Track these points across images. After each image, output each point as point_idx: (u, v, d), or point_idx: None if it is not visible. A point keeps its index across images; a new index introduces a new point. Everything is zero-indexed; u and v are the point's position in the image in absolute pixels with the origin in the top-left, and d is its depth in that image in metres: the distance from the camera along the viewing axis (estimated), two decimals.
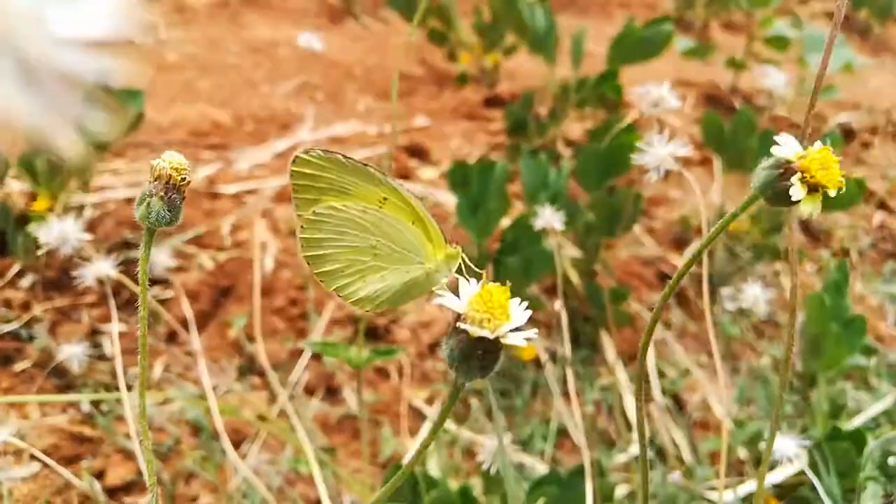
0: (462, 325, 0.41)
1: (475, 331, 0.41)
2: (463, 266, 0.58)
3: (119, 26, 0.18)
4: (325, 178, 0.56)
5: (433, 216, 0.59)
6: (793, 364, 1.39)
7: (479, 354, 0.41)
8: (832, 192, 0.45)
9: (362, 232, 0.57)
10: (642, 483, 0.58)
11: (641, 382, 0.60)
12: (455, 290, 0.44)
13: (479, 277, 0.45)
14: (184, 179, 0.52)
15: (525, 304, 0.43)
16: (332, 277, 0.59)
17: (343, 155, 0.56)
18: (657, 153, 0.81)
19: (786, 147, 0.45)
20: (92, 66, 0.17)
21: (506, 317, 0.41)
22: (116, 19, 0.18)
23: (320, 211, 0.57)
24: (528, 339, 0.42)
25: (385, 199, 0.57)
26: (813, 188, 0.45)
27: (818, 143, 0.47)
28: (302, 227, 0.58)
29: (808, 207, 0.45)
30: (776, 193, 0.46)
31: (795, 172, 0.45)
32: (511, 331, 0.42)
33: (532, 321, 0.43)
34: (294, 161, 0.56)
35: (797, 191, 0.44)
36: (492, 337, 0.41)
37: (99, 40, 0.17)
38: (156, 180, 0.51)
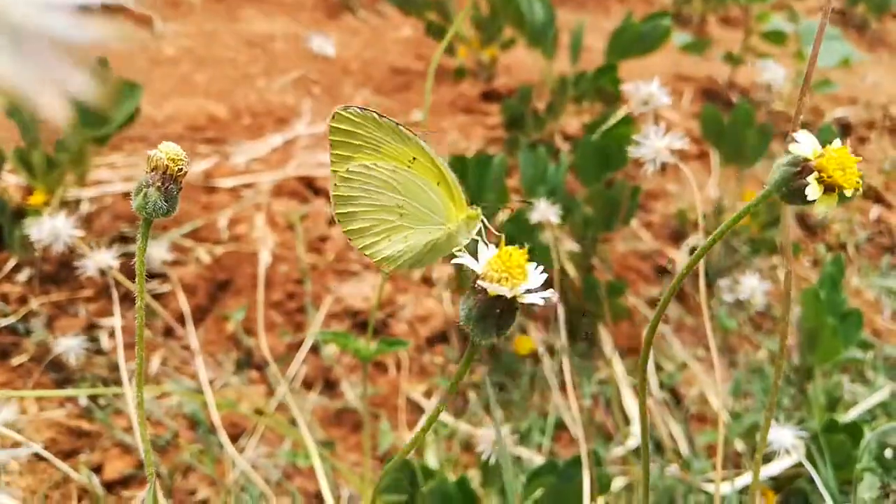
0: (481, 284, 0.43)
1: (494, 289, 0.42)
2: (482, 228, 0.60)
3: None
4: (359, 135, 0.58)
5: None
6: (789, 356, 1.40)
7: (496, 313, 0.43)
8: (848, 193, 0.44)
9: (390, 191, 0.59)
10: (643, 474, 0.58)
11: (644, 380, 0.60)
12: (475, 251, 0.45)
13: (497, 240, 0.46)
14: (180, 170, 0.52)
15: (541, 267, 0.44)
16: (359, 235, 0.61)
17: (378, 113, 0.58)
18: (653, 146, 0.81)
19: (804, 145, 0.44)
20: (83, 30, 0.17)
21: (523, 277, 0.43)
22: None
23: (353, 169, 0.59)
24: (545, 299, 0.43)
25: (414, 159, 0.58)
26: (829, 188, 0.43)
27: (837, 142, 0.45)
28: (335, 184, 0.60)
29: (823, 207, 0.44)
30: (791, 191, 0.44)
31: (812, 171, 0.43)
32: (527, 291, 0.43)
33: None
34: (333, 117, 0.58)
35: (813, 191, 0.43)
36: (509, 295, 0.42)
37: (91, 5, 0.17)
38: (152, 171, 0.52)
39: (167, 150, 0.52)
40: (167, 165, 0.51)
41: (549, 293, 0.43)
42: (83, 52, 0.17)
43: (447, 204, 0.59)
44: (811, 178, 0.43)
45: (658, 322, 0.56)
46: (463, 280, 1.39)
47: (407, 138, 0.58)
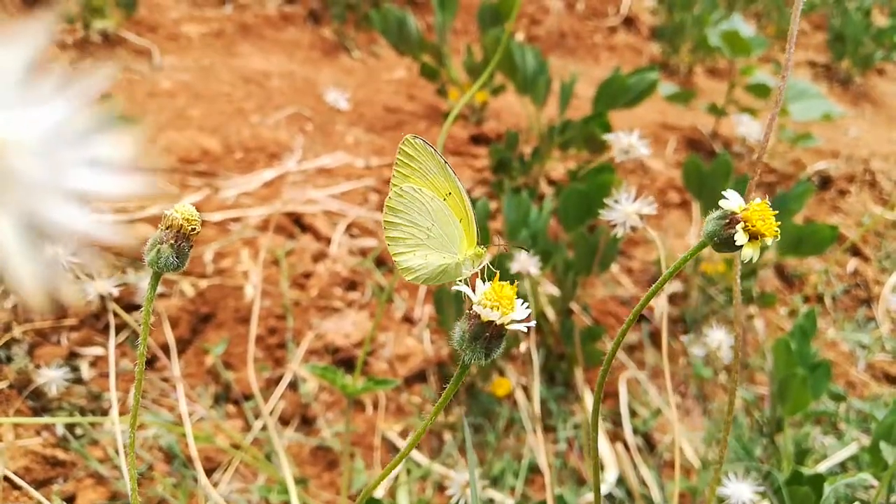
0: (475, 310, 0.50)
1: (486, 314, 0.49)
2: (485, 266, 0.71)
3: (128, 186, 0.20)
4: (417, 161, 0.69)
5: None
6: (762, 406, 1.42)
7: (486, 336, 0.50)
8: (769, 241, 0.52)
9: (426, 214, 0.70)
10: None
11: (597, 416, 0.62)
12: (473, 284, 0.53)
13: (493, 276, 0.53)
14: (193, 229, 0.55)
15: (526, 303, 0.51)
16: (395, 243, 0.72)
17: (434, 149, 0.69)
18: (623, 210, 0.84)
19: (731, 200, 0.52)
20: (97, 225, 0.19)
21: (511, 308, 0.50)
22: (125, 179, 0.20)
23: (405, 188, 0.70)
24: (527, 328, 0.50)
25: (450, 193, 0.69)
26: (753, 236, 0.51)
27: (758, 199, 0.53)
28: (390, 196, 0.70)
29: (749, 252, 0.51)
30: (722, 240, 0.52)
31: (739, 222, 0.51)
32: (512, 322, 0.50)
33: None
34: (403, 142, 0.69)
35: (740, 237, 0.51)
36: (498, 321, 0.49)
37: (107, 197, 0.20)
38: (167, 228, 0.55)
39: (182, 211, 0.55)
40: (181, 224, 0.55)
41: (532, 323, 0.50)
42: (96, 241, 0.20)
43: (462, 238, 0.70)
44: (739, 227, 0.51)
45: (613, 356, 0.60)
46: (444, 321, 1.41)
47: (450, 176, 0.68)
